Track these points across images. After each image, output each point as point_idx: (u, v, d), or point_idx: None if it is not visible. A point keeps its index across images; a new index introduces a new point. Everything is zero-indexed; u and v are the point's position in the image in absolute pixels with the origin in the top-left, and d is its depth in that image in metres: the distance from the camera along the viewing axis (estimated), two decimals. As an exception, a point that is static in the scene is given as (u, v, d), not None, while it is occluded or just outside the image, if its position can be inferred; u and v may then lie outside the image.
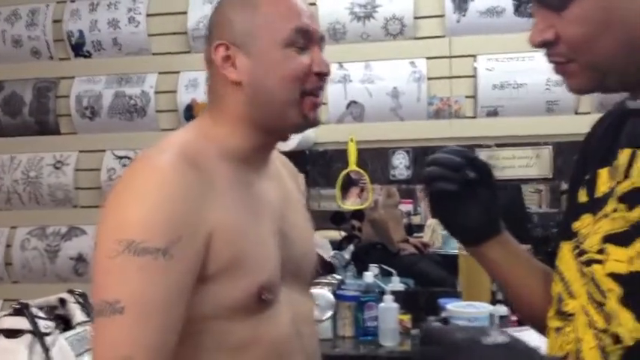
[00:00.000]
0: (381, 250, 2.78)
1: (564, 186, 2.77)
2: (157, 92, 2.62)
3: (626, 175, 0.74)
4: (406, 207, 2.99)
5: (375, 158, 2.48)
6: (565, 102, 2.36)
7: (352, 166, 2.39)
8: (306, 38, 0.97)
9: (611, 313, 0.72)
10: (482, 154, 2.39)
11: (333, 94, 2.47)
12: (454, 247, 2.44)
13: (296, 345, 1.00)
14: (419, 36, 2.47)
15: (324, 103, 2.40)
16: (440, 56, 2.45)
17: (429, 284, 2.59)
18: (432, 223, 2.83)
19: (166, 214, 0.86)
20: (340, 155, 2.44)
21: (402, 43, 2.47)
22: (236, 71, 0.97)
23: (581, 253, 0.78)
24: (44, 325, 1.47)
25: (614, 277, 0.72)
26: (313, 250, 1.15)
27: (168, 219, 0.86)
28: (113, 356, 0.82)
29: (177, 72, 2.61)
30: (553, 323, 0.82)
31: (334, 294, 2.24)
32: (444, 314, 2.14)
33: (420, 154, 2.44)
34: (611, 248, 0.73)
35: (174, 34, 2.62)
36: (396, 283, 2.43)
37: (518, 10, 2.37)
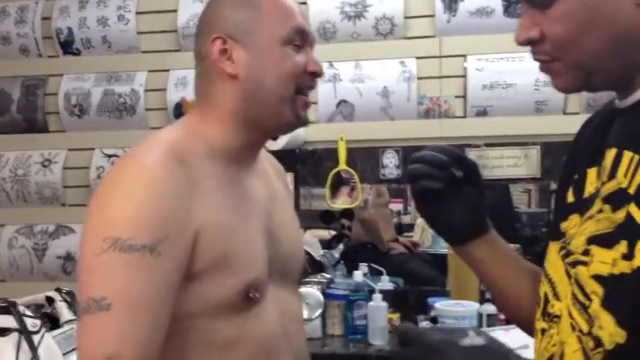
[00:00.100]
0: (370, 250, 2.78)
1: (553, 186, 2.78)
2: (146, 90, 2.61)
3: (612, 176, 0.73)
4: (396, 206, 3.00)
5: (365, 157, 2.48)
6: (554, 102, 2.37)
7: (342, 166, 2.39)
8: (303, 38, 0.99)
9: (594, 315, 0.71)
10: (472, 154, 2.40)
11: (323, 93, 2.47)
12: (443, 247, 2.45)
13: (283, 343, 1.00)
14: (409, 36, 2.48)
15: (314, 103, 2.40)
16: (430, 56, 2.46)
17: (418, 283, 2.59)
18: (421, 222, 2.84)
19: (154, 211, 0.86)
20: (330, 154, 2.44)
21: (393, 42, 2.48)
22: (233, 65, 0.97)
23: (568, 254, 0.77)
24: (31, 323, 1.46)
25: (598, 279, 0.71)
26: (300, 248, 1.15)
27: (156, 216, 0.86)
28: (100, 353, 0.81)
29: (167, 70, 2.60)
30: (539, 325, 0.81)
31: (323, 293, 2.24)
32: (432, 313, 2.15)
33: (409, 154, 2.44)
34: (595, 250, 0.72)
35: (164, 32, 2.62)
36: (386, 282, 2.44)
37: (508, 10, 2.38)
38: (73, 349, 1.51)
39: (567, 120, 2.35)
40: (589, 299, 0.72)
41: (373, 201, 2.85)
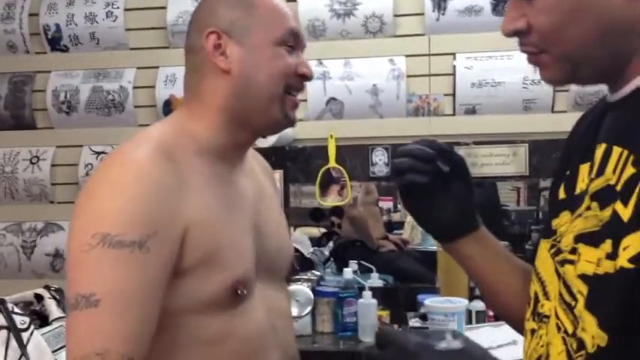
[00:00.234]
0: (360, 247, 2.79)
1: (542, 183, 2.81)
2: (135, 87, 2.60)
3: (600, 172, 0.71)
4: (386, 204, 3.01)
5: (355, 155, 2.49)
6: (542, 100, 2.39)
7: (332, 163, 2.39)
8: (296, 41, 1.00)
9: (579, 316, 0.69)
10: (461, 152, 2.41)
11: (313, 91, 2.47)
12: (433, 244, 2.46)
13: (271, 340, 1.01)
14: (398, 34, 2.49)
15: (304, 100, 2.40)
16: (419, 54, 2.46)
17: (408, 281, 2.61)
18: (411, 220, 2.85)
19: (142, 207, 0.86)
20: (320, 152, 2.44)
21: (382, 40, 2.48)
22: (226, 60, 0.97)
23: (558, 252, 0.75)
24: (20, 320, 1.45)
25: (584, 278, 0.69)
26: (288, 246, 1.16)
27: (145, 212, 0.86)
28: (90, 350, 0.81)
29: (156, 67, 2.59)
30: (529, 325, 0.79)
31: (313, 290, 2.25)
32: (422, 310, 2.16)
33: (399, 152, 2.45)
34: (582, 248, 0.70)
35: (153, 28, 2.60)
36: (375, 280, 2.45)
37: (496, 9, 2.39)
38: (62, 347, 1.50)
39: (555, 118, 2.37)
40: (575, 299, 0.70)
41: (362, 199, 2.86)
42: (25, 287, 1.74)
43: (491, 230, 0.95)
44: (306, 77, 1.01)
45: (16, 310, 1.50)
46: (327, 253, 2.85)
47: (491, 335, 1.89)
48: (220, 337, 0.95)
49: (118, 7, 2.60)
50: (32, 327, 1.48)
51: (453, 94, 2.46)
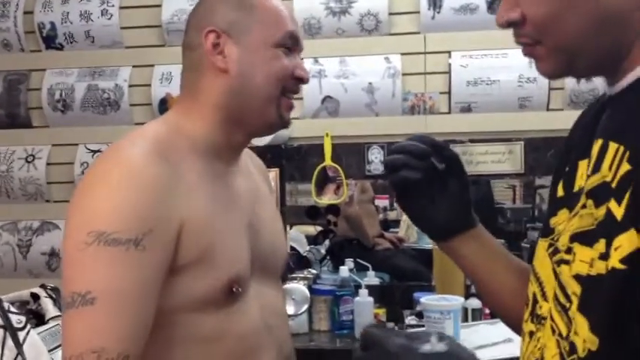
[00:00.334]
0: (356, 245, 2.80)
1: (537, 181, 2.82)
2: (130, 86, 2.60)
3: (596, 169, 0.68)
4: (382, 202, 3.02)
5: (351, 153, 2.49)
6: (537, 98, 2.39)
7: (328, 161, 2.40)
8: (293, 43, 1.01)
9: (573, 318, 0.67)
10: (456, 150, 2.42)
11: (308, 89, 2.47)
12: (429, 242, 2.46)
13: (266, 338, 1.01)
14: (394, 32, 2.49)
15: (300, 98, 2.40)
16: (414, 52, 2.47)
17: (404, 278, 2.61)
18: (407, 218, 2.86)
19: (138, 205, 0.86)
20: (316, 150, 2.45)
21: (377, 38, 2.48)
22: (224, 59, 0.98)
23: (555, 251, 0.73)
24: (16, 320, 1.45)
25: (578, 279, 0.67)
26: (283, 244, 1.17)
27: (140, 210, 0.86)
28: (86, 348, 0.81)
29: (152, 65, 2.58)
30: (527, 327, 0.76)
31: (310, 288, 2.25)
32: (418, 308, 2.16)
33: (394, 150, 2.45)
34: (577, 248, 0.68)
35: (148, 27, 2.60)
36: (372, 278, 2.45)
37: (492, 7, 2.40)
38: (58, 346, 1.50)
39: (550, 116, 2.38)
40: (569, 301, 0.68)
41: (358, 197, 2.87)
42: (21, 286, 1.74)
43: (485, 228, 0.93)
44: (303, 80, 1.02)
45: (13, 309, 1.50)
46: (323, 251, 2.85)
47: (487, 333, 1.90)
48: (216, 336, 0.95)
49: (113, 5, 2.60)
50: (28, 326, 1.48)
51: (449, 92, 2.46)
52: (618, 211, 0.63)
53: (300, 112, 2.45)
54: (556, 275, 0.72)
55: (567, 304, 0.68)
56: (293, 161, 2.52)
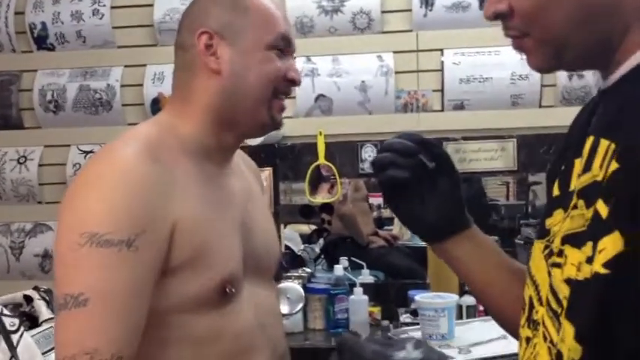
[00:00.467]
0: (350, 243, 2.80)
1: (531, 178, 2.83)
2: (122, 86, 2.59)
3: (587, 167, 0.65)
4: (376, 200, 3.02)
5: (344, 152, 2.49)
6: (529, 96, 2.40)
7: (321, 160, 2.39)
8: (286, 45, 1.02)
9: (562, 325, 0.63)
10: (450, 148, 2.42)
11: (301, 88, 2.46)
12: (422, 240, 2.47)
13: (260, 338, 1.01)
14: (386, 30, 2.49)
15: (293, 97, 2.40)
16: (407, 50, 2.47)
17: (398, 276, 2.62)
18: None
19: (130, 206, 0.86)
20: (309, 149, 2.44)
21: (370, 37, 2.48)
22: (217, 61, 0.98)
23: (550, 254, 0.69)
24: (10, 322, 1.44)
25: (569, 283, 0.63)
26: (275, 243, 1.16)
27: (132, 211, 0.86)
28: (79, 350, 0.81)
29: (144, 65, 2.57)
30: (524, 332, 0.73)
31: (304, 287, 2.25)
32: (413, 306, 2.17)
33: (388, 148, 2.45)
34: (568, 250, 0.65)
35: (140, 26, 2.59)
36: (366, 276, 2.45)
37: (483, 4, 2.40)
38: (52, 348, 1.49)
39: (543, 113, 2.39)
40: (561, 306, 0.64)
41: (351, 195, 2.87)
42: (14, 289, 1.73)
43: (478, 225, 0.90)
44: (295, 82, 1.02)
45: (6, 311, 1.50)
46: (317, 250, 2.86)
47: (481, 330, 1.90)
48: (209, 336, 0.95)
49: (104, 5, 2.58)
50: (22, 329, 1.48)
51: (442, 90, 2.46)
52: (604, 212, 0.60)
53: (293, 110, 2.45)
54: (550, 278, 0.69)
55: (559, 310, 0.65)
56: (286, 160, 2.52)
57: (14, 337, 1.44)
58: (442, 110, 2.47)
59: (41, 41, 2.63)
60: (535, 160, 2.41)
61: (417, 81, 2.46)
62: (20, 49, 2.66)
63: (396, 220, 2.95)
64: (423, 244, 2.42)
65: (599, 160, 0.63)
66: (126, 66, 2.60)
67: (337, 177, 2.44)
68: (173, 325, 0.93)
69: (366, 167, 2.51)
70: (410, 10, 2.46)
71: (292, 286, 2.17)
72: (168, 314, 0.92)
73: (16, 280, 2.57)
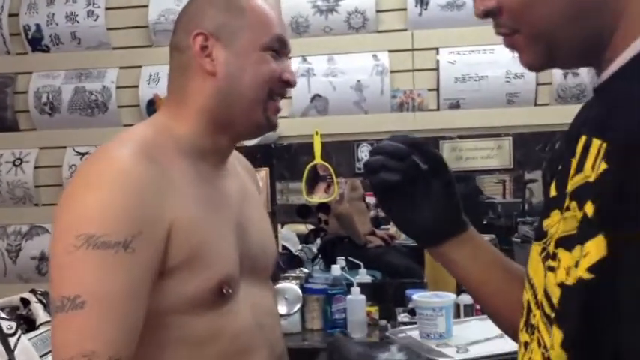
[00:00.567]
0: (347, 243, 2.80)
1: (527, 176, 2.83)
2: (118, 87, 2.58)
3: (580, 168, 0.63)
4: (373, 200, 3.02)
5: (340, 151, 2.49)
6: (524, 94, 2.40)
7: (318, 160, 2.39)
8: (282, 47, 1.02)
9: (553, 330, 0.62)
10: (446, 146, 2.43)
11: (297, 88, 2.46)
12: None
13: (257, 338, 1.01)
14: (381, 29, 2.49)
15: (289, 97, 2.40)
16: (402, 49, 2.47)
17: (396, 276, 2.62)
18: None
19: (126, 207, 0.86)
20: (305, 149, 2.44)
21: (365, 36, 2.49)
22: (212, 62, 0.98)
23: (547, 256, 0.67)
24: (7, 325, 1.44)
25: (561, 287, 0.62)
26: (272, 243, 1.17)
27: (129, 212, 0.86)
28: (76, 352, 0.81)
29: (139, 66, 2.57)
30: (522, 337, 0.71)
31: (302, 287, 2.25)
32: (410, 305, 2.17)
33: (384, 147, 2.45)
34: (561, 253, 0.63)
35: (135, 27, 2.59)
36: (364, 276, 2.45)
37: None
38: (50, 351, 1.49)
39: (538, 111, 2.39)
40: (554, 311, 0.63)
41: (348, 195, 2.87)
42: (11, 291, 1.73)
43: (473, 224, 0.89)
44: (290, 84, 1.03)
45: (3, 315, 1.49)
46: (314, 250, 2.85)
47: (479, 328, 1.90)
48: (207, 337, 0.95)
49: (99, 7, 2.58)
50: (19, 332, 1.47)
51: (437, 89, 2.47)
52: (591, 214, 0.58)
53: (289, 110, 2.45)
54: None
55: (552, 315, 0.63)
56: (283, 160, 2.52)
57: (12, 340, 1.43)
58: (438, 109, 2.47)
59: (36, 43, 2.63)
60: (531, 157, 2.41)
61: (413, 80, 2.47)
62: (15, 51, 2.66)
63: (393, 220, 2.95)
64: (420, 243, 2.44)
65: (591, 161, 0.62)
66: (121, 67, 2.59)
67: (334, 177, 2.43)
68: (170, 325, 0.92)
69: (362, 167, 2.51)
70: (405, 10, 2.46)
71: (290, 286, 2.17)
72: (166, 315, 0.92)
73: (13, 283, 2.57)
